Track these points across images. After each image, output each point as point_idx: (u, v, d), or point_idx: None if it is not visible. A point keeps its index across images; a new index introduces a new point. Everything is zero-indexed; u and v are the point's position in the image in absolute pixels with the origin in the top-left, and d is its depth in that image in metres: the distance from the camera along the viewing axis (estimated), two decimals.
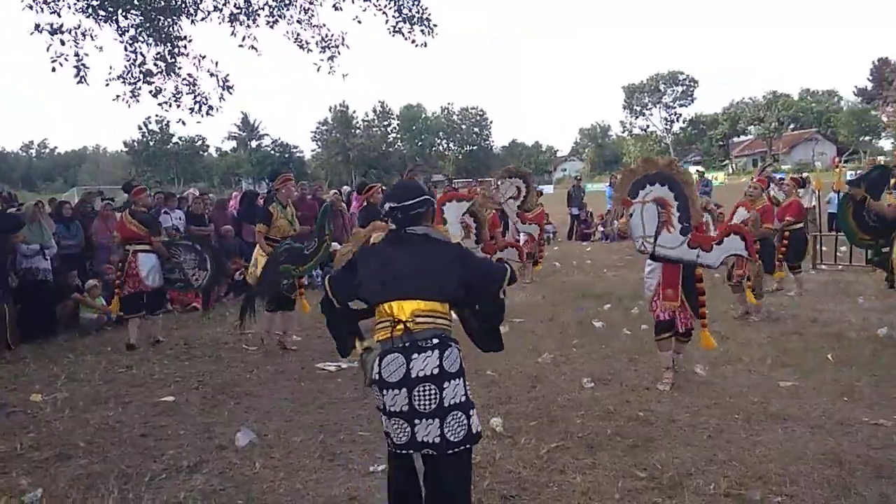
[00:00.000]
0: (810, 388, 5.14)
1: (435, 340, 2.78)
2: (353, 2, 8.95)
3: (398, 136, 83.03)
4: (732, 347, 6.34)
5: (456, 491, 2.85)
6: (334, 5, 8.96)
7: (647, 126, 79.65)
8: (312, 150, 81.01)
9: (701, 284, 5.17)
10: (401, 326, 2.77)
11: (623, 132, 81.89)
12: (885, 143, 67.61)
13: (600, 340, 6.88)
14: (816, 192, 13.29)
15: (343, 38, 9.24)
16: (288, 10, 9.14)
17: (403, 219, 2.94)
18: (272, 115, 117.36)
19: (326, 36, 9.18)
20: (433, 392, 2.73)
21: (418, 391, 2.72)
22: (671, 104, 76.58)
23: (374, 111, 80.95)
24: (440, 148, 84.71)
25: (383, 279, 2.88)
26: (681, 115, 76.89)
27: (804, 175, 16.40)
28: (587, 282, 10.84)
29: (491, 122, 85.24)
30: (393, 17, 9.05)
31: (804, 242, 9.06)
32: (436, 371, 2.74)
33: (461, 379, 2.82)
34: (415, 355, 2.74)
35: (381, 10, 9.01)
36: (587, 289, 10.06)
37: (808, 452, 3.96)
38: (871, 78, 68.73)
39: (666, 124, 77.89)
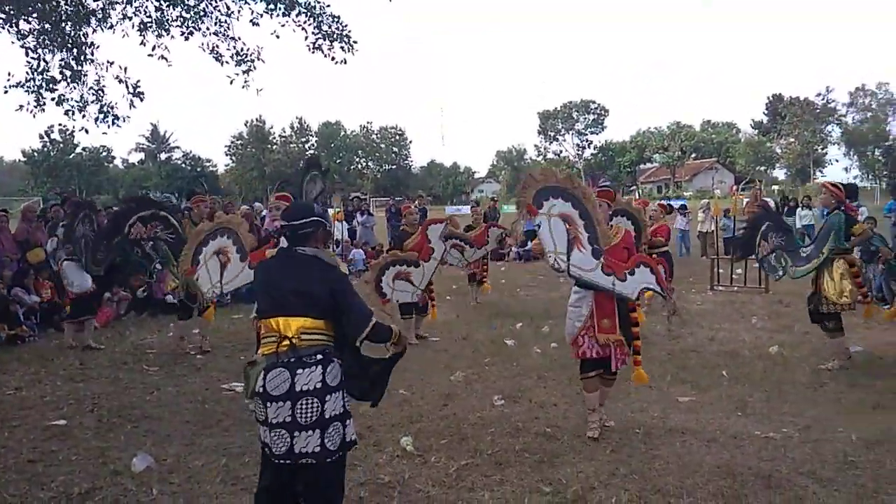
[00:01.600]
0: (706, 404, 5.39)
1: (319, 356, 2.93)
2: (271, 17, 8.82)
3: (316, 152, 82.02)
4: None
5: (332, 496, 3.04)
6: (252, 20, 8.81)
7: (561, 151, 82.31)
8: (226, 165, 78.83)
9: (635, 314, 4.75)
10: (286, 343, 2.90)
11: (538, 156, 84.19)
12: (779, 173, 72.65)
13: (512, 358, 6.99)
14: (714, 217, 14.06)
15: (259, 52, 9.08)
16: (203, 22, 8.91)
17: (293, 238, 3.07)
18: (184, 126, 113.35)
19: (242, 49, 8.99)
20: (315, 405, 2.87)
21: (301, 404, 2.86)
22: (583, 131, 79.53)
23: (292, 127, 79.85)
24: (359, 166, 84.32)
25: (272, 295, 3.03)
26: (592, 141, 79.95)
27: (700, 201, 17.26)
28: (501, 301, 11.00)
29: (410, 142, 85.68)
30: (313, 33, 8.97)
31: (671, 265, 9.38)
32: (319, 385, 2.89)
33: (341, 392, 2.98)
34: (299, 370, 2.89)
35: (300, 26, 8.91)
36: (501, 307, 10.21)
37: (703, 465, 4.14)
38: (766, 112, 73.58)
39: (578, 150, 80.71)
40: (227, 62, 9.05)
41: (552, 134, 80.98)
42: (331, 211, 16.28)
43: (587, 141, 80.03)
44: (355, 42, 9.00)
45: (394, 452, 4.42)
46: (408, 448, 4.46)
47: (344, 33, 8.96)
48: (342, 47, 9.02)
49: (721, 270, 11.93)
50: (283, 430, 2.88)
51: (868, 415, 5.05)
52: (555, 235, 4.47)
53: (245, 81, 9.09)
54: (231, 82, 9.02)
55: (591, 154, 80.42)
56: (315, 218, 3.10)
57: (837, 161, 69.65)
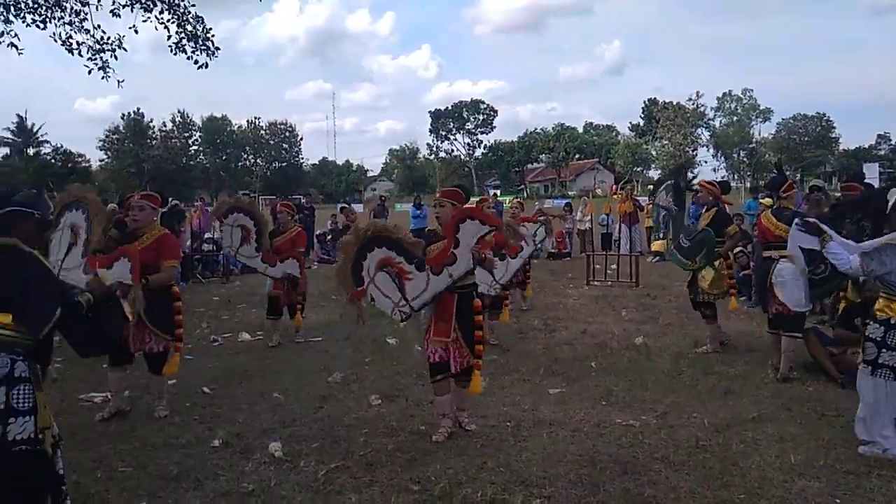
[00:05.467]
0: (575, 395, 5.60)
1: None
2: (131, 10, 8.34)
3: (200, 148, 78.69)
4: (511, 359, 6.74)
5: (22, 491, 2.83)
6: (112, 11, 8.28)
7: (452, 150, 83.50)
8: (101, 160, 73.92)
9: (479, 317, 4.65)
10: None
11: (430, 155, 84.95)
12: (655, 174, 76.94)
13: (392, 357, 6.98)
14: (589, 215, 14.69)
15: (120, 42, 8.56)
16: (57, 11, 8.29)
17: None
18: (54, 118, 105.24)
19: (101, 39, 8.45)
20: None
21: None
22: (473, 131, 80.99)
23: (174, 121, 76.07)
24: (247, 163, 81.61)
25: None
26: (482, 141, 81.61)
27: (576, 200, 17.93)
28: None
29: (301, 139, 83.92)
30: (176, 33, 8.58)
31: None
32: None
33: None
34: None
35: (162, 23, 8.48)
36: None
37: (567, 455, 4.29)
38: (643, 116, 77.80)
39: (469, 149, 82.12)
40: (81, 54, 8.49)
41: (444, 133, 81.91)
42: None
43: (477, 141, 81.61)
44: (217, 48, 8.69)
45: (261, 459, 4.28)
46: (276, 454, 4.33)
47: (207, 36, 8.63)
48: (204, 51, 8.70)
49: (597, 266, 12.46)
50: None
51: (720, 400, 5.41)
52: (386, 292, 4.46)
53: (105, 73, 8.55)
54: (89, 72, 8.46)
55: (482, 153, 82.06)
56: (14, 209, 2.99)
57: (706, 162, 74.69)
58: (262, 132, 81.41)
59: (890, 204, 4.35)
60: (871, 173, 24.82)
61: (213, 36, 8.75)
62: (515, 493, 3.75)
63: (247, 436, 4.72)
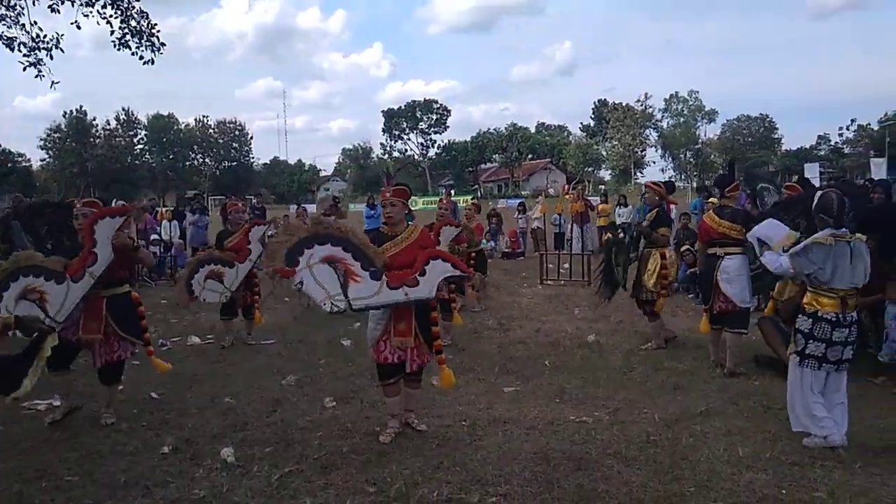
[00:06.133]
0: (529, 393, 5.65)
1: None
2: (72, 5, 8.05)
3: (146, 147, 76.63)
4: (466, 359, 6.77)
5: None
6: (50, 6, 7.97)
7: (406, 150, 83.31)
8: (42, 160, 71.29)
9: (435, 314, 4.70)
10: None
11: (384, 155, 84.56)
12: (605, 174, 78.37)
13: (347, 358, 6.92)
14: (542, 214, 14.84)
15: (58, 41, 8.24)
16: None
17: None
18: None
19: (37, 37, 8.13)
20: None
21: None
22: (427, 130, 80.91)
23: (118, 119, 73.85)
24: (195, 162, 79.84)
25: None
26: (435, 141, 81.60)
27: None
28: None
29: (251, 138, 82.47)
30: (120, 28, 8.32)
31: (485, 262, 9.64)
32: None
33: None
34: None
35: (105, 18, 8.21)
36: None
37: (522, 452, 4.32)
38: (593, 117, 79.09)
39: (422, 149, 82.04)
40: (17, 49, 8.16)
41: (397, 133, 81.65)
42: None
43: (431, 140, 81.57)
44: (163, 44, 8.47)
45: (212, 465, 4.20)
46: (228, 459, 4.25)
47: (152, 32, 8.41)
48: (148, 47, 8.47)
49: (550, 265, 12.60)
50: None
51: (669, 395, 5.53)
52: (322, 282, 4.36)
53: (39, 71, 8.23)
54: (24, 69, 8.14)
55: (435, 153, 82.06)
56: None
57: (655, 162, 76.49)
58: (211, 131, 79.71)
59: (813, 205, 4.55)
60: (812, 173, 25.78)
61: (158, 32, 8.55)
62: (471, 492, 3.76)
63: (197, 441, 4.62)
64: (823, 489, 3.74)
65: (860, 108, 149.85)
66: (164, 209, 17.34)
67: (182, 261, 14.00)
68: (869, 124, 67.08)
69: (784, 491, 3.73)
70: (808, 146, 73.20)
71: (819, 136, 75.12)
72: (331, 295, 4.34)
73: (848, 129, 70.78)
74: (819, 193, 4.62)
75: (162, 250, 13.93)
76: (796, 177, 7.06)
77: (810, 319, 4.41)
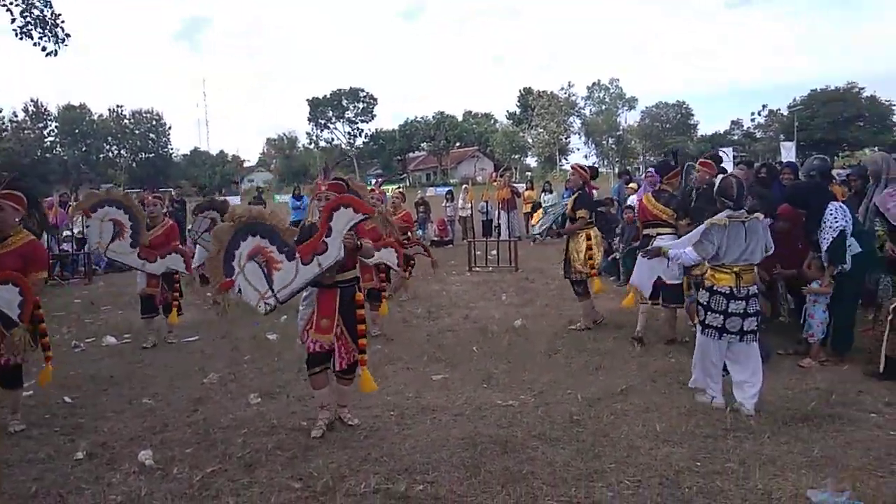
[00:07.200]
0: (457, 379, 5.70)
1: None
2: None
3: (57, 139, 72.80)
4: (395, 348, 6.76)
5: None
6: None
7: (333, 139, 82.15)
8: None
9: (362, 311, 4.62)
10: None
11: (310, 144, 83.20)
12: (532, 161, 79.60)
13: (273, 353, 6.79)
14: (470, 202, 14.94)
15: None
16: None
17: None
18: None
19: None
20: None
21: None
22: (353, 119, 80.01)
23: (26, 111, 69.84)
24: (110, 154, 76.41)
25: None
26: (363, 130, 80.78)
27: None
28: None
29: (169, 128, 79.51)
30: (21, 16, 7.82)
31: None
32: None
33: None
34: None
35: (5, 6, 7.70)
36: None
37: (449, 439, 4.36)
38: (518, 104, 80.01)
39: (349, 138, 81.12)
40: None
41: (323, 122, 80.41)
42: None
43: (358, 129, 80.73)
44: (68, 35, 8.03)
45: (130, 469, 4.04)
46: (147, 462, 4.10)
47: (56, 22, 7.95)
48: (52, 38, 8.01)
49: (478, 252, 12.71)
50: None
51: (592, 376, 5.70)
52: (254, 283, 4.27)
53: None
54: None
55: (363, 142, 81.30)
56: None
57: (579, 149, 78.21)
58: (126, 121, 76.49)
59: (715, 189, 4.89)
60: (726, 157, 26.90)
61: (63, 22, 8.06)
62: (399, 481, 3.77)
63: (113, 445, 4.45)
64: (735, 459, 3.93)
65: (771, 95, 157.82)
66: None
67: (97, 258, 13.42)
68: (779, 110, 70.62)
69: (699, 463, 3.90)
70: (722, 131, 76.37)
71: (732, 122, 78.54)
72: (262, 294, 4.28)
73: (760, 115, 74.32)
74: (720, 178, 4.90)
75: (75, 247, 13.26)
76: (709, 154, 7.40)
77: (707, 293, 4.77)
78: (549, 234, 7.16)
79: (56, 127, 72.20)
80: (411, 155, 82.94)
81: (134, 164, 75.93)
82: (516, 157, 74.86)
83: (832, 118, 60.51)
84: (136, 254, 7.10)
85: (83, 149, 73.24)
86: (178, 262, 7.29)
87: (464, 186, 19.55)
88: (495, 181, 15.68)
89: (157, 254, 7.17)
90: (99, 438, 4.57)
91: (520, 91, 79.66)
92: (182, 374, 6.17)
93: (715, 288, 4.71)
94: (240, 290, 4.29)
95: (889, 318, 5.08)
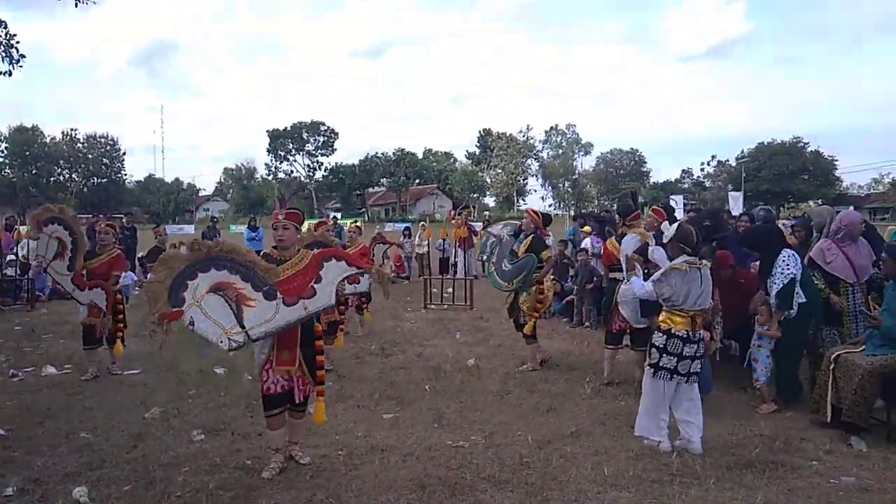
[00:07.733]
0: (408, 419, 5.64)
1: None
2: None
3: (6, 161, 70.75)
4: (347, 385, 6.67)
5: None
6: None
7: (292, 171, 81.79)
8: None
9: (320, 342, 4.53)
10: None
11: (269, 175, 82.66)
12: (490, 200, 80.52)
13: (219, 388, 6.62)
14: (427, 240, 14.99)
15: None
16: None
17: None
18: None
19: None
20: None
21: None
22: (314, 152, 79.92)
23: None
24: (60, 178, 74.50)
25: None
26: (322, 163, 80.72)
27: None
28: None
29: (124, 154, 78.07)
30: None
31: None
32: None
33: None
34: None
35: None
36: None
37: (398, 480, 4.29)
38: (478, 144, 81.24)
39: (309, 171, 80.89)
40: None
41: (283, 153, 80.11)
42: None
43: (318, 162, 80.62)
44: (23, 56, 7.91)
45: None
46: (81, 500, 3.94)
47: (11, 42, 7.83)
48: (6, 59, 7.89)
49: (434, 290, 12.71)
50: None
51: (542, 417, 5.70)
52: (215, 317, 4.02)
53: None
54: None
55: (322, 176, 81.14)
56: None
57: (536, 191, 79.62)
58: (79, 145, 74.90)
59: (665, 236, 5.02)
60: (677, 205, 27.69)
61: (17, 42, 7.93)
62: None
63: (47, 481, 4.25)
64: None
65: (719, 146, 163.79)
66: (23, 228, 15.95)
67: (41, 284, 12.94)
68: (728, 161, 73.29)
69: None
70: (673, 179, 78.83)
71: (683, 170, 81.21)
72: (226, 329, 4.01)
73: (709, 165, 77.00)
74: (676, 225, 5.02)
75: (19, 272, 12.78)
76: (661, 203, 7.65)
77: (664, 336, 4.84)
78: (530, 284, 7.09)
79: (6, 148, 70.26)
80: (371, 190, 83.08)
81: (85, 189, 74.17)
82: (475, 195, 75.69)
83: (778, 170, 63.11)
84: (70, 278, 6.92)
85: (33, 171, 71.32)
86: (101, 298, 7.03)
87: (421, 223, 19.61)
88: (453, 219, 15.78)
89: (88, 283, 6.97)
90: (32, 474, 4.36)
91: (479, 132, 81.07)
92: (123, 408, 5.96)
93: (672, 331, 4.81)
94: (192, 321, 4.01)
95: (831, 367, 5.23)
